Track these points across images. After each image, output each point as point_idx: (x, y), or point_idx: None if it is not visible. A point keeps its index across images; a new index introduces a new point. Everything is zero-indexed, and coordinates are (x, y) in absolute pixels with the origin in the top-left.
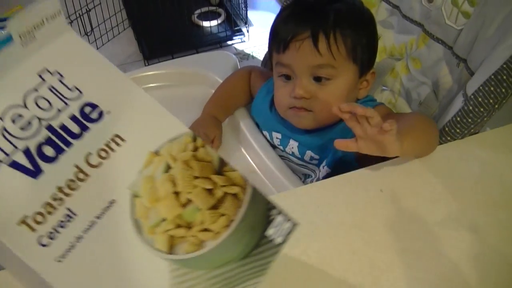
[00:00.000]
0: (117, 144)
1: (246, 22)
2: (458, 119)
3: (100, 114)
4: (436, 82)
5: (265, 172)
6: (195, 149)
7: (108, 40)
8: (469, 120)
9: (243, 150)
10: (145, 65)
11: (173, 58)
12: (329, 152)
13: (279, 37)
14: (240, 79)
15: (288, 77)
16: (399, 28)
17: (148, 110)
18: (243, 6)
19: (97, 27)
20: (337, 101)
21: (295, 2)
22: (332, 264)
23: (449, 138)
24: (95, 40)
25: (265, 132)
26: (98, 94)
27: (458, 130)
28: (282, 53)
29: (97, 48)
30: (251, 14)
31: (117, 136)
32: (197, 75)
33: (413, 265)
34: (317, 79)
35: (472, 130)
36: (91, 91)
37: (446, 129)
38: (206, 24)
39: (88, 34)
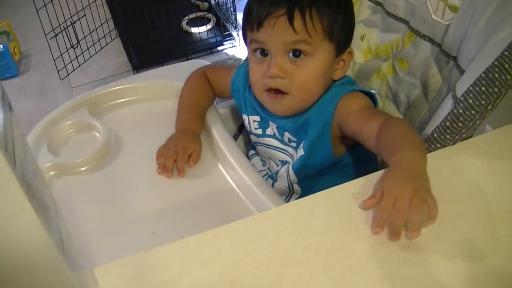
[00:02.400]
0: None
1: (236, 26)
2: (448, 123)
3: None
4: (425, 83)
5: (244, 190)
6: None
7: (96, 52)
8: (460, 124)
9: (220, 166)
10: None
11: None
12: (305, 133)
13: (254, 15)
14: (198, 83)
15: (264, 53)
16: (384, 26)
17: None
18: (232, 10)
19: (83, 39)
20: (313, 80)
21: None
22: None
23: (439, 145)
24: (82, 52)
25: (244, 116)
26: None
27: (448, 136)
28: (257, 31)
29: (85, 61)
30: (241, 18)
31: None
32: (169, 87)
33: None
34: (294, 54)
35: (464, 135)
36: None
37: (435, 135)
38: (195, 30)
39: (75, 46)
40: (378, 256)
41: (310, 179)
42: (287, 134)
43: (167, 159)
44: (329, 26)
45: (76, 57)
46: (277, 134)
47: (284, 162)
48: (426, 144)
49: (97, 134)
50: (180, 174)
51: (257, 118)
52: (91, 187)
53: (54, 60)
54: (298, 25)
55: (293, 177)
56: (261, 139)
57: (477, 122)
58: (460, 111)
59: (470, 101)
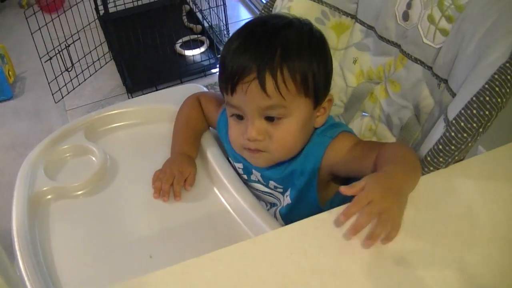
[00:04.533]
0: None
1: None
2: (441, 147)
3: None
4: (417, 105)
5: (239, 213)
6: None
7: (90, 75)
8: (452, 147)
9: (215, 190)
10: (129, 98)
11: (156, 90)
12: (292, 183)
13: (226, 77)
14: (192, 108)
15: (240, 117)
16: (376, 50)
17: None
18: (225, 32)
19: (77, 62)
20: (292, 138)
21: (243, 33)
22: None
23: (431, 168)
24: (77, 75)
25: (230, 159)
26: None
27: (441, 159)
28: (231, 96)
29: (79, 84)
30: None
31: None
32: (164, 111)
33: None
34: (269, 119)
35: (456, 158)
36: None
37: (428, 158)
38: (189, 53)
39: (69, 70)
40: (373, 278)
41: None
42: (272, 182)
43: (163, 183)
44: (303, 82)
45: (71, 80)
46: (262, 181)
47: (272, 204)
48: None
49: (94, 158)
50: (177, 198)
51: (240, 165)
52: (88, 210)
53: (48, 83)
54: (271, 89)
55: (280, 221)
56: (248, 184)
57: (469, 144)
58: (453, 134)
59: (462, 124)
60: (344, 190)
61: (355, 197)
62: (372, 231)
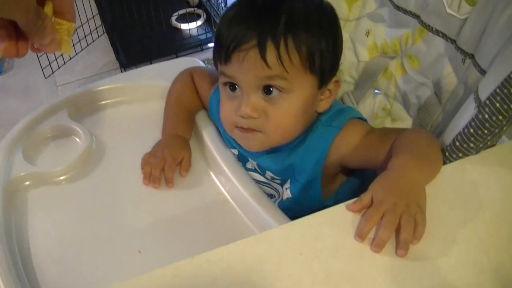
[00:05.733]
0: None
1: None
2: (472, 130)
3: None
4: (438, 83)
5: (240, 203)
6: None
7: (82, 49)
8: (485, 131)
9: (213, 176)
10: None
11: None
12: (291, 175)
13: (221, 45)
14: (185, 85)
15: (233, 87)
16: (391, 21)
17: None
18: (223, 5)
19: None
20: (292, 119)
21: (243, 1)
22: None
23: (461, 155)
24: None
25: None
26: None
27: (472, 145)
28: (225, 65)
29: (70, 58)
30: None
31: None
32: (156, 88)
33: None
34: (267, 91)
35: (488, 143)
36: None
37: (457, 143)
38: (185, 26)
39: None
40: (397, 284)
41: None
42: (269, 173)
43: (153, 168)
44: (309, 56)
45: (61, 54)
46: (258, 170)
47: (270, 196)
48: (447, 154)
49: (78, 140)
50: (169, 185)
51: (235, 151)
52: (71, 199)
53: (38, 57)
54: (272, 59)
55: None
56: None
57: (504, 128)
58: (486, 116)
59: (498, 105)
60: (351, 208)
61: (366, 213)
62: (399, 239)
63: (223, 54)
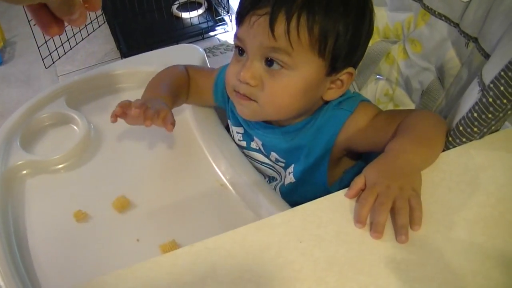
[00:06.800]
0: None
1: (228, 10)
2: (476, 114)
3: None
4: (441, 67)
5: (239, 189)
6: None
7: (83, 39)
8: (490, 115)
9: (211, 161)
10: None
11: None
12: (297, 159)
13: (240, 8)
14: (181, 73)
15: (242, 52)
16: (393, 4)
17: None
18: None
19: (69, 25)
20: (288, 97)
21: None
22: None
23: (464, 140)
24: (68, 39)
25: (228, 121)
26: None
27: (476, 129)
28: (238, 27)
29: (71, 48)
30: (234, 2)
31: None
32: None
33: None
34: (270, 63)
35: (492, 128)
36: None
37: (461, 128)
38: (186, 15)
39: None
40: (401, 272)
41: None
42: (274, 154)
43: (133, 106)
44: (321, 38)
45: (62, 44)
46: (262, 150)
47: (272, 178)
48: (450, 139)
49: (75, 127)
50: (169, 127)
51: (240, 130)
52: (69, 187)
53: (38, 47)
54: (279, 31)
55: None
56: (246, 152)
57: (509, 112)
58: (490, 100)
59: (502, 88)
60: (348, 195)
61: (360, 197)
62: (396, 225)
63: (238, 16)
